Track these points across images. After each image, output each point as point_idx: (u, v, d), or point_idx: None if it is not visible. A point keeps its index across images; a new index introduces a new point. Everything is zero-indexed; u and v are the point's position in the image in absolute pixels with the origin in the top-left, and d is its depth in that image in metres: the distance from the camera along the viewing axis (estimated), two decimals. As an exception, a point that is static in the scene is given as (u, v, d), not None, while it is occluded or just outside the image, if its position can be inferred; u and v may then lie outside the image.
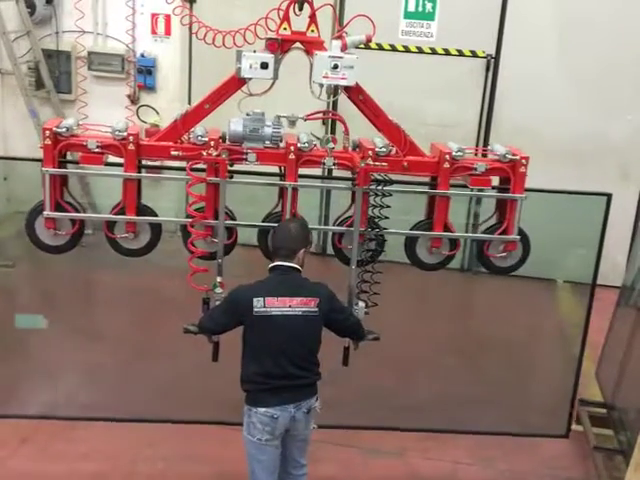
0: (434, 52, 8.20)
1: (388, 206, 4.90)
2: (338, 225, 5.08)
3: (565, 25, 8.21)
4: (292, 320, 4.27)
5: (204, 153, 4.69)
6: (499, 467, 5.74)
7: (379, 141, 4.96)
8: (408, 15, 8.05)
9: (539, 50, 8.18)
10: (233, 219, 5.03)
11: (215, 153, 4.68)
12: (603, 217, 5.47)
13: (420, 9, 8.03)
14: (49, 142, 4.73)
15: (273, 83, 4.76)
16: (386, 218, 4.95)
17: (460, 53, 8.24)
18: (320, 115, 5.02)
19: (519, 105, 8.26)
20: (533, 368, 6.94)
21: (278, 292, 4.28)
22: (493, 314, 7.80)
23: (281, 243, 4.41)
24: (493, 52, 8.31)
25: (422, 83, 8.13)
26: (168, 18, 8.78)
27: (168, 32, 8.97)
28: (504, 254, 5.20)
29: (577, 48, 8.22)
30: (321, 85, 4.70)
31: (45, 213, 4.88)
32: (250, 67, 4.66)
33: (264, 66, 4.65)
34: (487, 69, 8.29)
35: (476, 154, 5.57)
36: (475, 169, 4.95)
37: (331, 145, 4.85)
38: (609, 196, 5.42)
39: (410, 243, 5.21)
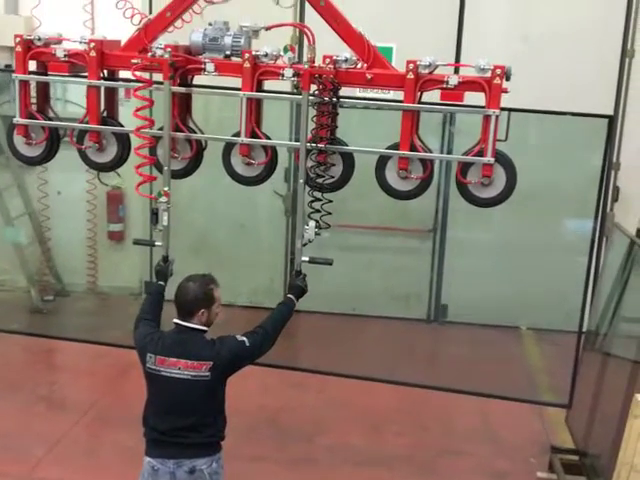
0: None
1: (337, 113, 4.63)
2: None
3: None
4: (180, 383, 4.11)
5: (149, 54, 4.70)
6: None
7: (349, 55, 4.71)
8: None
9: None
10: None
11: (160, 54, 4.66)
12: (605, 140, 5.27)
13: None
14: (20, 49, 4.93)
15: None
16: (334, 127, 4.68)
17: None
18: (282, 24, 4.85)
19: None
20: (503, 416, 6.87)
21: (170, 352, 4.12)
22: (460, 363, 7.76)
23: (178, 303, 4.21)
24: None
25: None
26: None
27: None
28: (483, 181, 4.69)
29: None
30: (277, -12, 4.60)
31: (15, 119, 5.04)
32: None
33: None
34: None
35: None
36: (446, 82, 4.59)
37: (290, 55, 4.69)
38: (610, 118, 5.17)
39: (379, 167, 4.86)
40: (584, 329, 6.50)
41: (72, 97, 8.03)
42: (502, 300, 8.54)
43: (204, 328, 4.22)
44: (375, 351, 8.05)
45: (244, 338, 4.20)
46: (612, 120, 5.80)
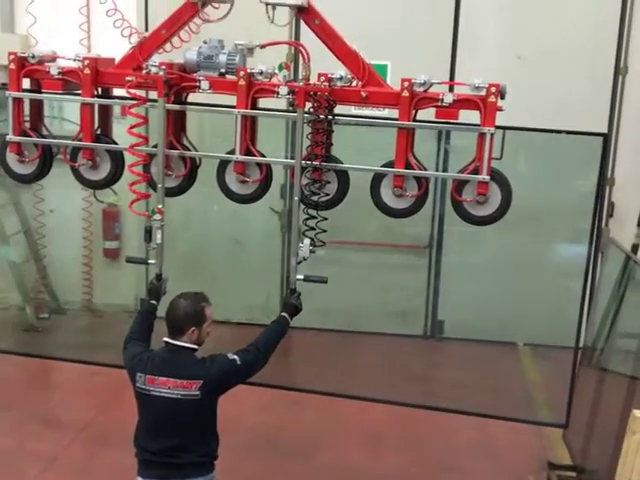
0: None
1: (332, 130, 4.61)
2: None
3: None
4: (170, 403, 4.05)
5: (144, 72, 4.70)
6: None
7: (344, 72, 4.69)
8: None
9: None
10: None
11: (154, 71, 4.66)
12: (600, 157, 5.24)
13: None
14: (13, 67, 4.91)
15: (230, 8, 4.71)
16: (329, 144, 4.66)
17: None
18: (277, 42, 4.81)
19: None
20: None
21: (160, 371, 4.08)
22: (457, 380, 7.75)
23: (169, 320, 4.17)
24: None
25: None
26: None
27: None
28: (478, 199, 4.67)
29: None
30: (273, 7, 4.59)
31: (8, 137, 5.01)
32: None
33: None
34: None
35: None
36: (441, 101, 4.57)
37: (285, 72, 4.67)
38: (605, 135, 5.17)
39: (374, 185, 4.83)
40: (581, 345, 6.51)
41: (68, 115, 7.98)
42: (499, 316, 8.56)
43: (194, 347, 4.17)
44: (371, 369, 8.06)
45: (235, 356, 4.14)
46: (607, 138, 5.80)
